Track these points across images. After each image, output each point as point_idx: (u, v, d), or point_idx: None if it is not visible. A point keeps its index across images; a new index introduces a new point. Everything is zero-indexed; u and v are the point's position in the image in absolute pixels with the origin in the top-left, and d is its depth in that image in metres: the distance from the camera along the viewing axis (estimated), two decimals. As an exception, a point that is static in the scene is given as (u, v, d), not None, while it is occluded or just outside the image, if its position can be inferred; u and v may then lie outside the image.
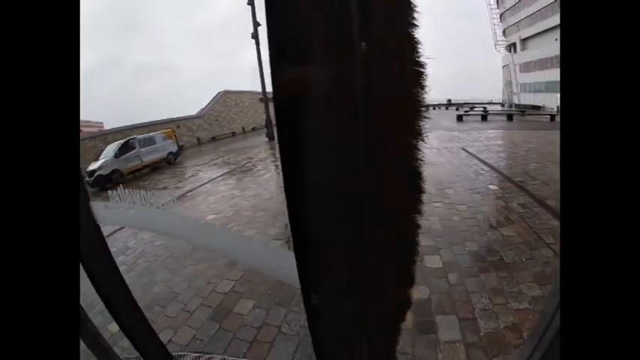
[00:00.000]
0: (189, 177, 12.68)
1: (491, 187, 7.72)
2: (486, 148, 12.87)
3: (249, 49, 22.67)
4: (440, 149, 12.81)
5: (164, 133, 17.88)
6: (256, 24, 22.07)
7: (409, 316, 3.49)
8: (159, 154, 16.58)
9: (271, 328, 3.49)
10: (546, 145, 13.35)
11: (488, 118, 25.80)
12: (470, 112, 29.35)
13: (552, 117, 25.04)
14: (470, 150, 12.31)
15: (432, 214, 6.09)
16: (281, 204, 7.37)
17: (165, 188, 11.04)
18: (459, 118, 25.68)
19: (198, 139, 29.74)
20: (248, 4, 21.80)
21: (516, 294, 3.75)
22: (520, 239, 5.04)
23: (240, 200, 8.06)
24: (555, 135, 15.93)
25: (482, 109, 37.72)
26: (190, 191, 9.95)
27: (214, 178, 11.37)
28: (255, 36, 22.07)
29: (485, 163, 10.07)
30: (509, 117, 25.46)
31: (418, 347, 3.10)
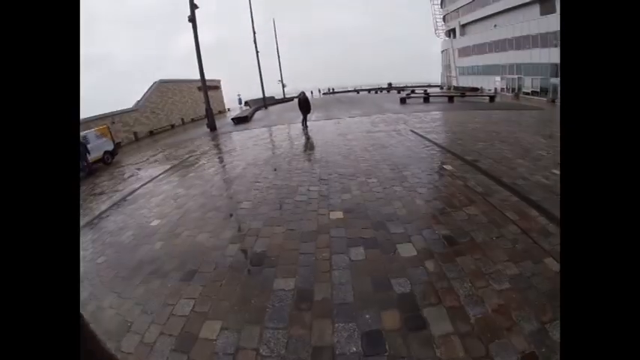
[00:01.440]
0: (128, 177, 11.62)
1: (446, 167, 7.73)
2: (433, 129, 13.09)
3: (186, 34, 21.34)
4: (388, 132, 12.84)
5: (97, 131, 16.34)
6: (193, 5, 20.83)
7: (394, 315, 3.26)
8: (93, 154, 15.13)
9: (248, 352, 3.03)
10: (490, 124, 13.81)
11: (431, 100, 26.50)
12: (412, 95, 29.98)
13: (491, 98, 26.25)
14: (418, 132, 12.43)
15: (394, 199, 5.94)
16: (230, 201, 6.94)
17: (102, 193, 9.97)
18: (402, 100, 26.14)
19: (135, 133, 27.75)
20: (182, -17, 20.49)
21: (495, 274, 3.68)
22: (486, 218, 5.00)
23: (186, 200, 7.42)
24: (497, 115, 16.58)
25: (422, 91, 38.97)
26: (131, 194, 9.04)
27: (156, 177, 10.47)
28: (192, 19, 20.83)
29: (435, 143, 10.17)
30: (450, 99, 26.28)
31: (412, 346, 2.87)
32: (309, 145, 11.64)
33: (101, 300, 4.18)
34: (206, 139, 17.39)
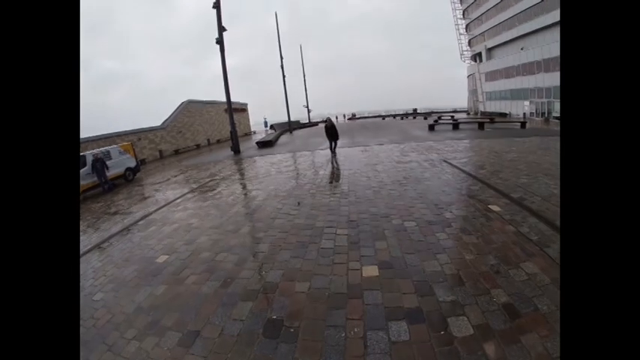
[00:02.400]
0: (145, 198, 11.14)
1: (492, 207, 6.72)
2: (468, 159, 12.04)
3: (216, 56, 21.08)
4: (420, 162, 11.87)
5: (121, 147, 16.11)
6: (221, 28, 20.69)
7: None
8: (115, 170, 14.86)
9: None
10: (527, 153, 12.67)
11: (460, 126, 25.41)
12: (440, 122, 28.87)
13: (523, 124, 24.94)
14: (453, 162, 11.42)
15: (438, 250, 4.95)
16: (246, 240, 6.11)
17: (116, 213, 9.47)
18: (431, 127, 25.14)
19: (161, 152, 27.85)
20: (213, 7, 20.42)
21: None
22: (548, 278, 4.00)
23: (198, 234, 6.67)
24: (532, 143, 15.43)
25: (450, 117, 37.91)
26: (144, 218, 8.45)
27: (172, 201, 9.89)
28: (219, 41, 20.67)
29: (474, 177, 9.13)
30: (481, 125, 25.09)
31: None
32: (334, 176, 10.74)
33: (91, 350, 3.64)
34: (229, 163, 16.88)
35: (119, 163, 15.29)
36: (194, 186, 11.81)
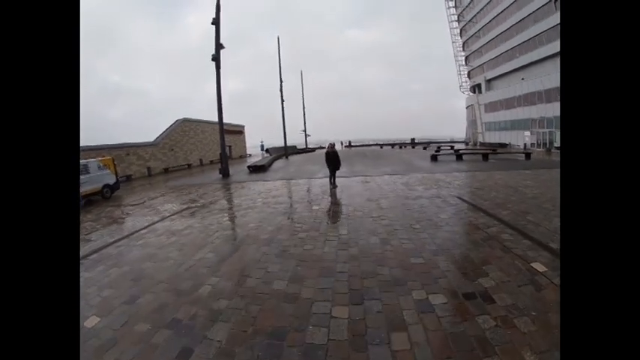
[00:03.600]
0: (112, 222, 9.37)
1: (535, 266, 4.88)
2: (484, 195, 10.22)
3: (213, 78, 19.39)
4: (431, 198, 10.05)
5: (101, 161, 14.27)
6: (219, 46, 19.23)
7: None
8: (91, 185, 13.13)
9: None
10: (546, 188, 10.99)
11: (463, 157, 23.79)
12: (442, 152, 27.15)
13: (527, 155, 23.33)
14: (468, 199, 9.65)
15: (486, 351, 3.08)
16: (200, 309, 4.15)
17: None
18: (434, 157, 23.48)
19: (149, 169, 25.89)
20: (212, 23, 19.02)
21: None
22: None
23: (145, 287, 4.78)
24: (546, 176, 13.75)
25: (449, 147, 36.53)
26: (99, 250, 6.66)
27: (137, 231, 8.07)
28: (216, 58, 19.17)
29: (500, 220, 7.28)
30: (485, 156, 23.52)
31: None
32: (331, 214, 8.83)
33: None
34: (214, 187, 15.01)
35: (97, 178, 13.59)
36: (167, 214, 9.93)
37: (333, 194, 11.59)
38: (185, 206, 11.01)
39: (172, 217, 9.55)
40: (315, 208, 9.55)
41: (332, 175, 13.20)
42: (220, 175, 18.81)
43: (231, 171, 20.76)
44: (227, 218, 9.00)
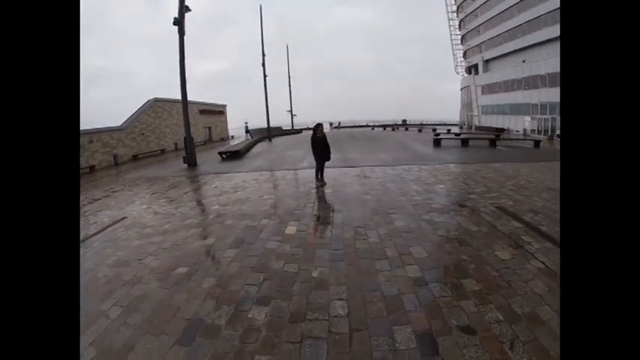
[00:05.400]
0: None
1: None
2: (532, 206, 6.81)
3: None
4: (464, 213, 6.58)
5: None
6: (183, 8, 15.17)
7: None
8: None
9: None
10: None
11: (470, 143, 20.35)
12: (442, 136, 23.42)
13: (536, 143, 20.03)
14: (512, 211, 6.23)
15: None
16: None
17: None
18: (436, 142, 19.95)
19: (115, 157, 21.68)
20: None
21: None
22: None
23: None
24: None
25: (446, 130, 33.26)
26: None
27: None
28: (179, 22, 15.13)
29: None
30: (492, 142, 20.18)
31: None
32: (314, 249, 5.13)
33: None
34: (167, 184, 11.16)
35: None
36: (94, 228, 6.33)
37: (319, 198, 7.94)
38: (108, 223, 7.38)
39: (98, 233, 5.92)
40: (289, 230, 5.81)
41: (319, 169, 9.37)
42: (185, 165, 14.98)
43: (202, 158, 16.97)
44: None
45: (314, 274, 4.13)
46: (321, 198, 7.98)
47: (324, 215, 6.58)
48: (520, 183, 8.95)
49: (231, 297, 3.76)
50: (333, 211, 6.81)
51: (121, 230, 6.47)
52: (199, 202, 8.42)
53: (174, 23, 15.16)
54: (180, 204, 8.17)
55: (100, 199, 9.62)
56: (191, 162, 14.97)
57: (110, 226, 6.79)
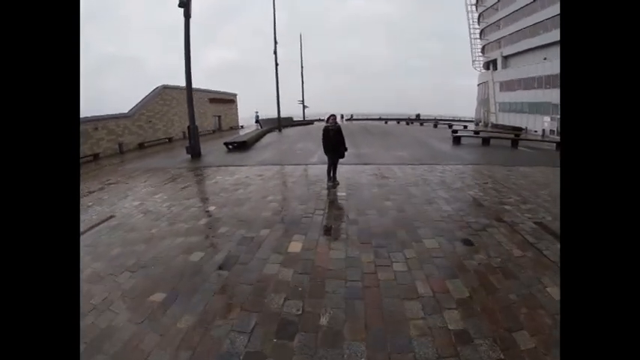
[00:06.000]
0: None
1: None
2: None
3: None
4: (501, 229, 5.48)
5: None
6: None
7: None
8: None
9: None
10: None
11: (491, 142, 18.99)
12: (460, 133, 22.04)
13: (558, 145, 18.59)
14: (555, 230, 5.08)
15: None
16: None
17: None
18: (456, 140, 18.60)
19: (121, 145, 20.72)
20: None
21: None
22: None
23: None
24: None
25: (463, 127, 31.93)
26: None
27: None
28: (184, 3, 14.12)
29: None
30: (514, 143, 18.86)
31: None
32: (329, 257, 4.26)
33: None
34: (165, 177, 10.17)
35: None
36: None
37: (331, 203, 6.86)
38: (98, 219, 6.44)
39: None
40: (293, 246, 4.71)
41: (332, 167, 8.23)
42: (189, 156, 13.98)
43: (207, 148, 15.96)
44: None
45: (323, 321, 3.07)
46: (333, 202, 6.88)
47: (336, 227, 5.48)
48: (554, 193, 7.72)
49: (211, 349, 2.76)
50: (347, 221, 5.71)
51: (105, 232, 5.57)
52: (195, 201, 7.38)
53: (180, 5, 14.14)
54: (174, 202, 7.15)
55: (95, 191, 8.70)
56: (195, 152, 13.98)
57: (96, 226, 5.88)
